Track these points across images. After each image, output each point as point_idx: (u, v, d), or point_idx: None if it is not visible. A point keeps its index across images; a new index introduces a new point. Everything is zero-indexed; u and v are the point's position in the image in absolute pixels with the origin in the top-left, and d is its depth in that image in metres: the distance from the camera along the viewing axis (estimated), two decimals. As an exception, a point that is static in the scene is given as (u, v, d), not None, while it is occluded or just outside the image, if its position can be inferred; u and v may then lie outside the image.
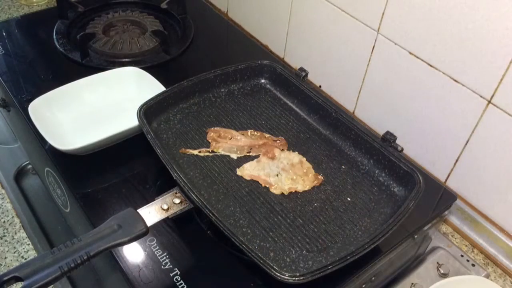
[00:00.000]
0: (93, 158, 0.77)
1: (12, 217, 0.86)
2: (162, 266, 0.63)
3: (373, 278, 0.69)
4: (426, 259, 0.78)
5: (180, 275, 0.62)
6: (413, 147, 0.86)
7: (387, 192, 0.72)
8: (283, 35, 1.07)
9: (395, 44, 0.82)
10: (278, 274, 0.55)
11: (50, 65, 0.96)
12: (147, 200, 0.66)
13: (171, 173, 0.65)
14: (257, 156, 0.76)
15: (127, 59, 0.98)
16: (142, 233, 0.57)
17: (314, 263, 0.62)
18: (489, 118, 0.73)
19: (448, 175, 0.83)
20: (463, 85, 0.74)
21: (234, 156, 0.75)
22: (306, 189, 0.71)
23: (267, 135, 0.79)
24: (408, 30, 0.79)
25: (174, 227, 0.67)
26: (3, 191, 0.93)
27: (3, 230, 0.83)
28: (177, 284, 0.61)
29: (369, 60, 0.88)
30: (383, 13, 0.82)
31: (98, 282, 0.81)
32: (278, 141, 0.78)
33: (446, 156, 0.82)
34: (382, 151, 0.74)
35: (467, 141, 0.78)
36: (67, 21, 1.06)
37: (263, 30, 1.13)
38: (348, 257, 0.58)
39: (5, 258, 0.79)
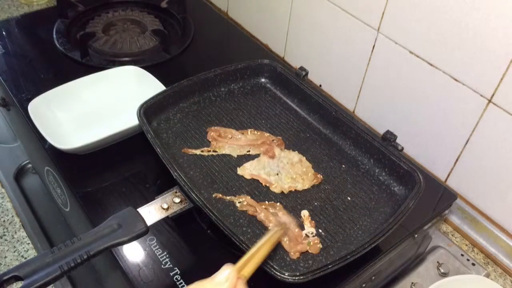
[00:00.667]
0: (93, 157, 0.77)
1: (12, 216, 0.86)
2: (162, 266, 0.63)
3: (373, 278, 0.69)
4: (426, 259, 0.78)
5: (180, 274, 0.62)
6: (413, 146, 0.86)
7: (387, 191, 0.72)
8: (283, 34, 1.07)
9: (396, 43, 0.82)
10: (278, 274, 0.55)
11: (50, 64, 0.96)
12: (147, 199, 0.65)
13: (171, 172, 0.65)
14: (257, 155, 0.76)
15: (127, 58, 0.98)
16: (142, 232, 0.57)
17: (314, 263, 0.62)
18: (489, 117, 0.73)
19: (448, 174, 0.83)
20: (463, 84, 0.74)
21: (234, 155, 0.75)
22: (305, 187, 0.71)
23: (267, 134, 0.79)
24: (409, 29, 0.79)
25: (174, 226, 0.67)
26: (3, 190, 0.93)
27: (3, 229, 0.83)
28: (177, 283, 0.61)
29: (369, 59, 0.88)
30: (383, 12, 0.82)
31: (98, 281, 0.81)
32: (275, 141, 0.78)
33: (446, 155, 0.82)
34: (382, 150, 0.73)
35: (468, 140, 0.78)
36: (67, 20, 1.06)
37: (263, 30, 1.13)
38: (348, 257, 0.58)
39: (5, 257, 0.79)
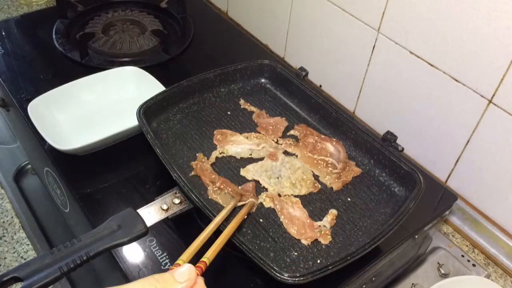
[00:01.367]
0: (93, 158, 0.77)
1: (12, 217, 0.86)
2: (162, 266, 0.62)
3: (373, 279, 0.68)
4: (427, 259, 0.78)
5: (180, 275, 0.61)
6: (413, 147, 0.86)
7: (387, 192, 0.72)
8: (283, 34, 1.07)
9: (396, 43, 0.82)
10: (278, 275, 0.55)
11: (49, 65, 0.96)
12: (146, 200, 0.65)
13: (171, 173, 0.65)
14: (260, 159, 0.76)
15: (126, 59, 0.98)
16: (142, 233, 0.57)
17: (314, 264, 0.62)
18: (490, 118, 0.73)
19: (449, 175, 0.83)
20: (464, 84, 0.74)
21: (237, 157, 0.75)
22: (302, 193, 0.71)
23: (269, 138, 0.79)
24: (409, 30, 0.79)
25: (174, 227, 0.67)
26: (3, 191, 0.93)
27: (3, 230, 0.83)
28: (177, 284, 0.60)
29: (370, 60, 0.88)
30: (383, 13, 0.81)
31: (98, 282, 0.81)
32: (281, 144, 0.78)
33: (447, 156, 0.82)
34: (383, 151, 0.73)
35: (468, 141, 0.77)
36: (67, 21, 1.06)
37: (263, 30, 1.13)
38: (349, 258, 0.57)
39: (5, 258, 0.79)
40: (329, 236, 0.65)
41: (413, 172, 0.69)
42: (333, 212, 0.68)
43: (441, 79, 0.77)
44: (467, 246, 0.83)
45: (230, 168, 0.74)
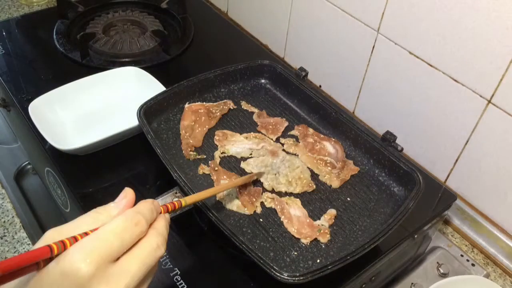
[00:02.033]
0: (93, 158, 0.77)
1: (12, 217, 0.86)
2: (162, 266, 0.63)
3: (373, 278, 0.69)
4: (426, 259, 0.78)
5: (180, 275, 0.62)
6: (413, 147, 0.86)
7: (387, 192, 0.72)
8: (283, 35, 1.07)
9: (395, 44, 0.82)
10: (278, 274, 0.55)
11: (50, 65, 0.96)
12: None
13: (171, 173, 0.65)
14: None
15: (127, 59, 0.98)
16: (142, 233, 0.57)
17: (314, 263, 0.62)
18: (489, 118, 0.73)
19: (448, 175, 0.83)
20: (463, 85, 0.74)
21: (238, 156, 0.76)
22: (296, 192, 0.71)
23: (268, 138, 0.79)
24: (408, 30, 0.79)
25: (174, 227, 0.67)
26: (3, 191, 0.93)
27: (3, 230, 0.83)
28: (177, 284, 0.61)
29: (369, 60, 0.88)
30: (383, 13, 0.82)
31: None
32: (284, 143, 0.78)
33: (446, 156, 0.82)
34: (382, 150, 0.74)
35: (467, 141, 0.78)
36: (67, 21, 1.06)
37: (263, 30, 1.13)
38: (348, 257, 0.58)
39: (5, 258, 0.79)
40: (328, 235, 0.65)
41: (413, 172, 0.69)
42: (331, 212, 0.68)
43: (441, 79, 0.77)
44: (466, 245, 0.83)
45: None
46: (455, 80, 0.75)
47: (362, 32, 0.87)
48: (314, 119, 0.83)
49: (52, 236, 0.36)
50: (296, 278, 0.55)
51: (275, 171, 0.73)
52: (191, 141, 0.76)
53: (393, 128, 0.76)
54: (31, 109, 0.78)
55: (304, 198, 0.71)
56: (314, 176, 0.74)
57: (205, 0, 1.25)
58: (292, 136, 0.80)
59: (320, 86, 1.03)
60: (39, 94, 0.81)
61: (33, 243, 0.83)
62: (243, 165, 0.74)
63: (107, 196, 0.71)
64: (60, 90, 0.83)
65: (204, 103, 0.82)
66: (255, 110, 0.84)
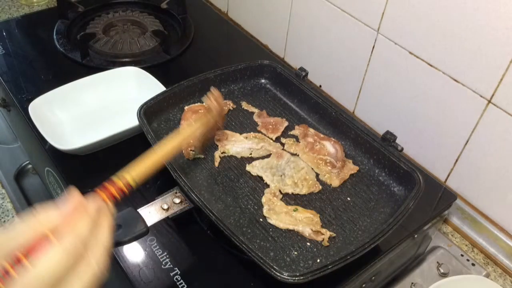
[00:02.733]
0: (94, 158, 0.77)
1: (13, 216, 0.86)
2: (162, 266, 0.63)
3: (373, 278, 0.69)
4: (426, 259, 0.78)
5: (180, 274, 0.62)
6: (413, 146, 0.86)
7: (387, 192, 0.72)
8: (283, 35, 1.07)
9: (395, 44, 0.82)
10: (278, 274, 0.55)
11: (50, 65, 0.96)
12: (147, 199, 0.66)
13: (171, 173, 0.65)
14: (260, 158, 0.76)
15: (127, 59, 0.98)
16: (142, 232, 0.57)
17: (314, 263, 0.62)
18: (489, 118, 0.73)
19: (448, 175, 0.83)
20: (463, 84, 0.74)
21: (238, 156, 0.76)
22: (302, 193, 0.71)
23: (268, 138, 0.79)
24: (408, 30, 0.79)
25: (174, 227, 0.67)
26: (4, 191, 0.93)
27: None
28: (177, 283, 0.61)
29: (369, 60, 0.88)
30: (383, 13, 0.82)
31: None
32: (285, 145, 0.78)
33: (446, 156, 0.82)
34: (382, 150, 0.74)
35: (467, 141, 0.78)
36: (67, 21, 1.06)
37: (263, 30, 1.13)
38: (348, 257, 0.58)
39: (6, 258, 0.79)
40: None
41: (413, 171, 0.70)
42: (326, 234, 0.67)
43: (441, 79, 0.77)
44: (466, 245, 0.83)
45: (231, 168, 0.74)
46: (455, 80, 0.75)
47: (362, 32, 0.87)
48: (314, 119, 0.83)
49: None
50: (296, 278, 0.55)
51: (280, 173, 0.73)
52: (191, 141, 0.76)
53: (393, 128, 0.76)
54: (31, 109, 0.78)
55: (305, 198, 0.71)
56: (315, 176, 0.74)
57: (205, 0, 1.25)
58: (293, 136, 0.80)
59: (320, 86, 1.03)
60: (39, 94, 0.81)
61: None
62: (248, 167, 0.74)
63: (107, 196, 0.71)
64: (60, 90, 0.83)
65: (204, 103, 0.82)
66: (255, 110, 0.84)
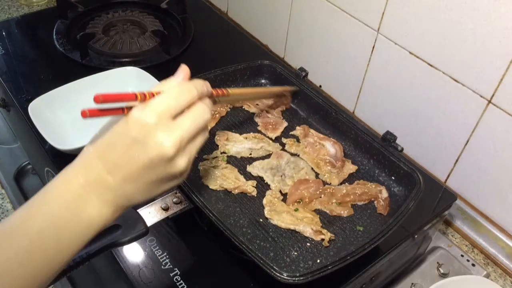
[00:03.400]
0: (93, 158, 0.76)
1: (12, 217, 0.86)
2: (162, 266, 0.63)
3: (373, 278, 0.69)
4: (426, 259, 0.78)
5: (180, 275, 0.62)
6: (413, 147, 0.86)
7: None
8: (283, 35, 1.07)
9: (395, 44, 0.82)
10: (278, 274, 0.55)
11: (50, 65, 0.96)
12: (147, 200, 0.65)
13: (171, 173, 0.65)
14: (259, 158, 0.76)
15: (127, 59, 0.98)
16: (142, 233, 0.57)
17: (314, 263, 0.62)
18: (489, 118, 0.73)
19: (448, 175, 0.83)
20: (463, 85, 0.74)
21: (238, 156, 0.76)
22: None
23: (267, 138, 0.79)
24: (408, 30, 0.79)
25: (174, 227, 0.67)
26: (3, 191, 0.93)
27: (3, 230, 0.83)
28: (177, 284, 0.61)
29: (369, 60, 0.88)
30: (383, 13, 0.82)
31: (98, 282, 0.81)
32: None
33: (446, 156, 0.82)
34: (382, 151, 0.74)
35: (467, 141, 0.78)
36: (67, 21, 1.06)
37: (263, 30, 1.13)
38: (348, 257, 0.58)
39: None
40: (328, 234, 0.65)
41: (413, 172, 0.69)
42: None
43: (441, 79, 0.77)
44: (466, 245, 0.83)
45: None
46: (455, 80, 0.75)
47: (362, 32, 0.87)
48: (314, 119, 0.83)
49: None
50: (296, 278, 0.55)
51: (280, 173, 0.73)
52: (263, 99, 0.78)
53: (393, 128, 0.75)
54: (31, 109, 0.78)
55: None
56: (315, 175, 0.74)
57: (205, 0, 1.25)
58: (294, 136, 0.80)
59: (320, 86, 1.03)
60: (39, 94, 0.81)
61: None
62: (249, 168, 0.73)
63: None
64: (60, 90, 0.83)
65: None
66: (255, 110, 0.84)
